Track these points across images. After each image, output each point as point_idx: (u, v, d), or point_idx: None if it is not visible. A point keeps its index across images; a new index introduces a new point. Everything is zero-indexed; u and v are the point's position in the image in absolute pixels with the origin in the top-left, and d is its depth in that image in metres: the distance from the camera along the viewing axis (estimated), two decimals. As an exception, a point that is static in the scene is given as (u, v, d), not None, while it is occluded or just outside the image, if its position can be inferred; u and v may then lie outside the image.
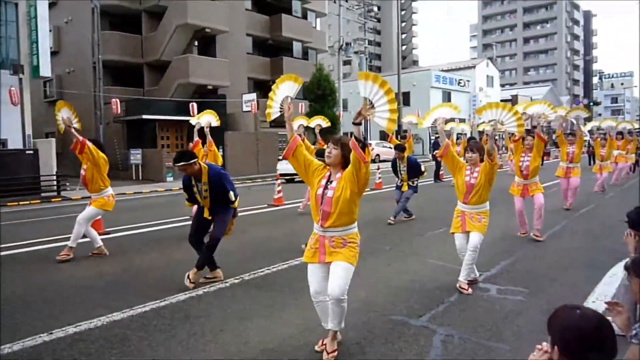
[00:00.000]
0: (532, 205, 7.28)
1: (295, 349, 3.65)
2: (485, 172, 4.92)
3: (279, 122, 29.56)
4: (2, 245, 7.49)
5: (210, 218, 5.34)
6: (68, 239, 6.62)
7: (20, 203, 13.71)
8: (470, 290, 4.86)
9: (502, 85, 64.20)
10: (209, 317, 4.32)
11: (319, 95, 25.81)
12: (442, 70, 48.85)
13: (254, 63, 31.26)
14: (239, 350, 3.63)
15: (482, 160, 5.00)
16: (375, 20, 66.68)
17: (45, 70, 18.39)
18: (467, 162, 5.14)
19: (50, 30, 19.73)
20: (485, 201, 5.06)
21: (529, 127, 7.54)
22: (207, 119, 8.64)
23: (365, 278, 5.37)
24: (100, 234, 7.49)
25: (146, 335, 3.94)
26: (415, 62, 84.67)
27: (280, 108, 3.74)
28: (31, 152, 15.95)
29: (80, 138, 6.54)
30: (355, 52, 39.45)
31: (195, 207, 5.75)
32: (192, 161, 5.09)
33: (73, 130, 6.62)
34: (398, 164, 9.22)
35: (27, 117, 17.27)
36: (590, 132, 18.96)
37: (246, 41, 30.41)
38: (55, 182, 16.13)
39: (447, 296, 4.75)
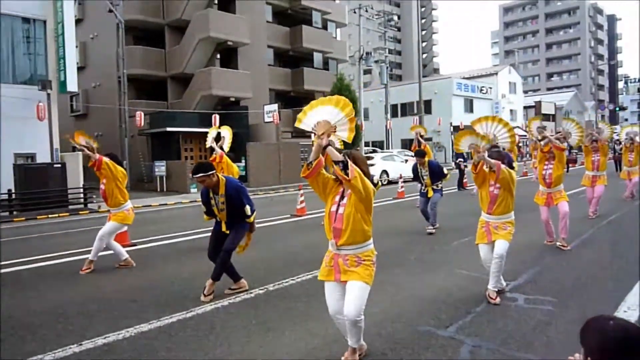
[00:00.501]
0: (557, 214, 7.14)
1: (322, 359, 3.63)
2: (508, 181, 4.83)
3: (300, 133, 29.69)
4: (32, 258, 7.67)
5: (227, 232, 5.29)
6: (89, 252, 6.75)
7: (49, 216, 14.03)
8: (498, 299, 4.78)
9: (525, 92, 63.40)
10: (235, 328, 4.33)
11: (340, 105, 25.91)
12: (464, 78, 48.52)
13: (275, 74, 31.55)
14: (265, 361, 3.64)
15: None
16: (396, 29, 66.74)
17: (72, 85, 18.90)
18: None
19: (76, 46, 20.30)
20: (510, 211, 4.99)
21: (539, 138, 7.47)
22: (214, 134, 8.97)
23: (390, 288, 5.34)
24: (125, 246, 7.62)
25: (173, 346, 3.97)
26: (436, 70, 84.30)
27: (313, 130, 3.39)
28: (59, 165, 16.33)
29: (97, 156, 6.68)
30: (376, 61, 39.41)
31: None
32: (210, 173, 5.06)
33: (88, 151, 6.74)
34: (419, 170, 9.11)
35: (54, 131, 17.72)
36: (617, 140, 18.56)
37: (267, 53, 30.73)
38: (82, 195, 16.49)
39: (475, 306, 4.67)
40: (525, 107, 56.19)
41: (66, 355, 3.87)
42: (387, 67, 34.36)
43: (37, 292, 5.77)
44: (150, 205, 16.04)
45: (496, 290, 4.88)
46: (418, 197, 9.70)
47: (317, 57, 33.96)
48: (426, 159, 9.07)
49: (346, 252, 3.37)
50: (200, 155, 26.35)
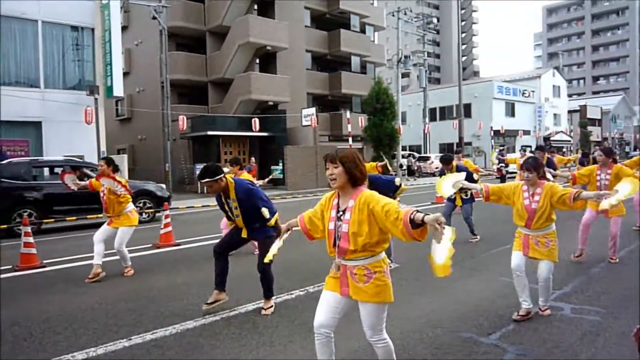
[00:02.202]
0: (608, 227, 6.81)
1: (363, 362, 3.66)
2: (551, 195, 4.37)
3: (338, 136, 29.88)
4: (83, 255, 8.00)
5: (247, 238, 4.93)
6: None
7: (99, 216, 14.56)
8: (548, 311, 4.60)
9: (570, 96, 61.55)
10: (277, 327, 4.41)
11: (378, 108, 25.79)
12: (505, 81, 47.55)
13: (313, 78, 31.79)
14: (307, 362, 3.69)
15: (541, 177, 4.50)
16: (435, 32, 66.01)
17: (118, 91, 19.60)
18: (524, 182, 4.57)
19: (122, 53, 21.05)
20: (552, 222, 4.50)
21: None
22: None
23: (431, 294, 5.32)
24: (171, 245, 7.84)
25: (218, 343, 4.09)
26: (476, 73, 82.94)
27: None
28: (106, 167, 16.92)
29: (87, 183, 6.92)
30: (414, 65, 39.12)
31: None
32: (217, 177, 4.61)
33: (78, 186, 6.97)
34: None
35: (101, 135, 18.41)
36: None
37: (305, 57, 31.02)
38: (127, 196, 17.05)
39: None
40: (569, 111, 54.58)
41: (117, 349, 4.03)
42: (425, 70, 34.09)
43: (88, 289, 6.03)
44: (193, 207, 16.45)
45: (547, 305, 4.64)
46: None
47: (355, 61, 33.99)
48: (454, 163, 8.45)
49: (355, 264, 2.88)
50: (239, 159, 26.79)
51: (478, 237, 8.51)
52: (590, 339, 4.02)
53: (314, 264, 7.01)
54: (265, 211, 4.72)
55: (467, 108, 40.59)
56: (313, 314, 4.71)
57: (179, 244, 8.67)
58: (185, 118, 21.66)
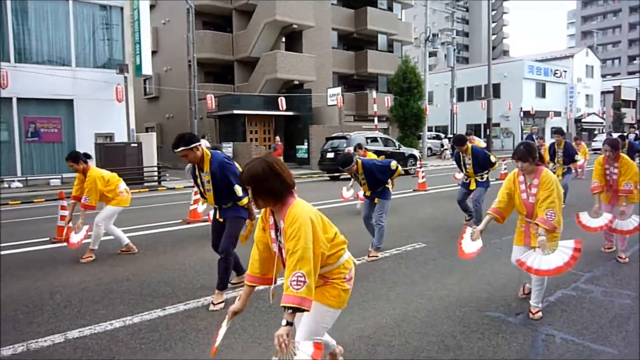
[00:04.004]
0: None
1: (391, 337, 3.71)
2: (548, 185, 3.92)
3: (363, 116, 29.72)
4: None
5: (222, 220, 4.57)
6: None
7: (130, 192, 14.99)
8: (539, 315, 4.07)
9: (604, 76, 59.64)
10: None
11: (405, 88, 25.51)
12: (536, 61, 46.28)
13: (339, 57, 31.54)
14: (335, 336, 3.75)
15: (538, 163, 4.02)
16: (464, 9, 64.41)
17: (147, 69, 19.87)
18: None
19: (150, 32, 21.24)
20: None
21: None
22: None
23: (459, 274, 5.34)
24: (197, 222, 7.97)
25: (249, 315, 4.20)
26: (505, 53, 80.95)
27: None
28: (135, 145, 17.30)
29: (82, 212, 6.22)
30: (442, 43, 38.35)
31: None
32: (193, 145, 4.30)
33: (82, 223, 6.19)
34: (462, 157, 7.86)
35: (131, 113, 18.75)
36: None
37: (332, 36, 30.74)
38: (156, 173, 17.42)
39: (547, 295, 4.57)
40: (603, 93, 52.92)
41: (152, 318, 4.19)
42: (454, 49, 33.37)
43: (122, 261, 6.23)
44: None
45: (539, 307, 4.11)
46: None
47: (382, 40, 33.56)
48: (469, 145, 7.85)
49: None
50: (264, 138, 26.96)
51: (467, 222, 7.89)
52: (620, 322, 3.99)
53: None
54: (238, 188, 4.37)
55: (496, 88, 39.76)
56: (377, 282, 4.83)
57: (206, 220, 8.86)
58: (213, 97, 21.82)
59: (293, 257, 2.27)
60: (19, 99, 17.40)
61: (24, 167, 17.55)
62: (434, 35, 32.45)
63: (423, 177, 13.51)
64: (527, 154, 3.93)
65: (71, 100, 18.42)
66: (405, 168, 18.08)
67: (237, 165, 4.71)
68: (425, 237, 7.17)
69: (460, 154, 7.86)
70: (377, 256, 6.17)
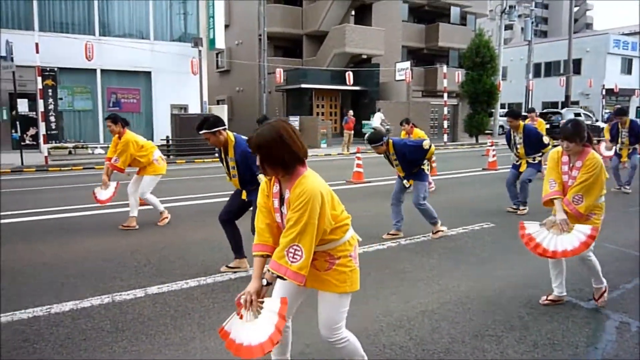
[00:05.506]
0: None
1: (455, 313, 3.71)
2: (590, 169, 3.59)
3: (432, 92, 28.92)
4: (195, 195, 8.66)
5: (247, 201, 4.52)
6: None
7: (205, 160, 15.74)
8: (602, 299, 3.86)
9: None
10: (369, 274, 4.57)
11: (477, 63, 24.45)
12: (623, 34, 42.83)
13: (409, 30, 30.76)
14: (399, 308, 3.82)
15: (586, 144, 3.67)
16: (545, -21, 60.53)
17: (220, 43, 20.39)
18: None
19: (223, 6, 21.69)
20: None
21: None
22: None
23: (528, 254, 5.17)
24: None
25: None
26: (588, 26, 75.48)
27: None
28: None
29: (110, 166, 6.36)
30: (519, 16, 36.43)
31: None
32: (215, 130, 4.23)
33: (110, 175, 6.47)
34: (512, 136, 7.30)
35: (204, 85, 19.39)
36: None
37: (402, 8, 29.97)
38: (226, 144, 18.03)
39: (624, 282, 4.38)
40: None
41: (224, 280, 4.43)
42: (532, 22, 31.54)
43: (195, 225, 6.58)
44: None
45: (603, 286, 3.90)
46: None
47: (455, 12, 32.33)
48: (521, 122, 7.25)
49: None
50: (331, 112, 27.02)
51: (516, 209, 7.38)
52: None
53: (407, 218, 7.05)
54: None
55: (577, 64, 37.36)
56: (404, 264, 4.86)
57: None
58: (282, 71, 22.08)
59: (295, 229, 2.16)
60: (102, 71, 18.46)
61: (105, 135, 18.72)
62: (510, 7, 30.79)
63: (494, 156, 13.09)
64: (574, 133, 3.60)
65: (149, 72, 19.32)
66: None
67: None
68: (494, 217, 7.00)
69: (512, 132, 7.33)
70: (442, 230, 5.99)
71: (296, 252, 2.17)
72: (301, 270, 2.18)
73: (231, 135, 4.37)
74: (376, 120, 20.15)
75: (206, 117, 4.29)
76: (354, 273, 2.40)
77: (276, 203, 2.36)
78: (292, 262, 2.18)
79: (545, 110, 28.43)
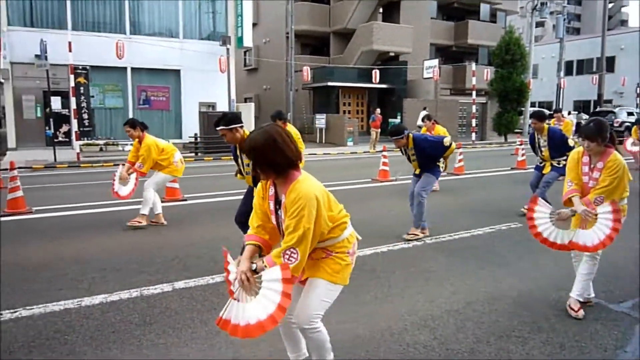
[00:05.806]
0: None
1: (481, 314, 3.68)
2: (612, 171, 3.47)
3: (460, 90, 28.53)
4: (213, 193, 8.78)
5: None
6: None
7: (232, 158, 15.89)
8: (581, 312, 3.64)
9: None
10: (394, 273, 4.57)
11: (507, 60, 24.02)
12: (662, 30, 41.34)
13: (437, 28, 30.38)
14: (424, 307, 3.81)
15: (608, 145, 3.54)
16: (579, -26, 59.00)
17: (248, 41, 20.55)
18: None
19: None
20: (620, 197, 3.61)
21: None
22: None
23: (555, 255, 5.08)
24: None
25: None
26: (623, 23, 73.19)
27: None
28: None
29: (133, 170, 6.40)
30: (551, 13, 35.59)
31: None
32: (232, 126, 4.24)
33: (130, 174, 6.42)
34: (537, 138, 7.02)
35: (232, 83, 19.58)
36: None
37: (431, 5, 29.64)
38: (253, 142, 18.21)
39: (655, 285, 4.27)
40: None
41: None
42: (564, 19, 30.76)
43: (224, 222, 6.67)
44: (315, 154, 17.44)
45: (579, 300, 3.73)
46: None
47: (484, 9, 31.79)
48: (545, 125, 6.94)
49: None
50: (357, 110, 26.96)
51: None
52: None
53: (434, 217, 7.01)
54: None
55: (610, 61, 36.32)
56: (429, 264, 4.84)
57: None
58: (309, 69, 22.12)
59: (294, 234, 2.21)
60: (132, 69, 18.84)
61: (136, 133, 19.09)
62: (542, 3, 30.07)
63: (523, 155, 12.88)
64: (596, 132, 3.46)
65: (178, 71, 19.62)
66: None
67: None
68: (522, 217, 6.89)
69: (536, 134, 7.02)
70: (417, 234, 5.79)
71: (292, 255, 2.23)
72: (294, 272, 2.25)
73: (248, 133, 4.40)
74: (420, 118, 20.08)
75: (224, 114, 4.36)
76: (348, 268, 2.47)
77: (272, 206, 2.42)
78: (287, 263, 2.25)
79: (597, 110, 27.78)
